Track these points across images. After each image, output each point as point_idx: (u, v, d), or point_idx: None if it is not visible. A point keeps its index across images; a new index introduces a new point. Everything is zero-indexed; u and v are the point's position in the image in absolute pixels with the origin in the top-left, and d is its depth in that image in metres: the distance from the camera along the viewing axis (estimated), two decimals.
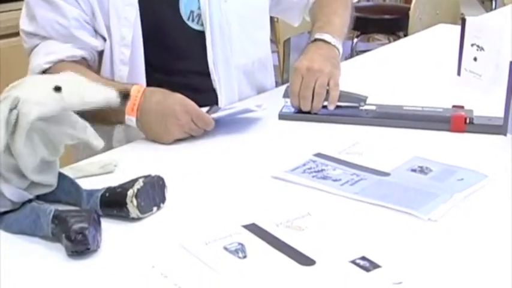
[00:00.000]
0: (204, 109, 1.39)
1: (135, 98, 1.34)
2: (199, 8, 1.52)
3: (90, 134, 1.06)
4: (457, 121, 1.41)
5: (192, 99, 1.36)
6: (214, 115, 1.38)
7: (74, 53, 1.46)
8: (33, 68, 1.46)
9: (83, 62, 1.48)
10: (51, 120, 1.03)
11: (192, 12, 1.52)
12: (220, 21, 1.53)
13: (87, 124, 1.06)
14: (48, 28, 1.45)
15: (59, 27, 1.45)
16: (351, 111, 1.46)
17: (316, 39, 1.53)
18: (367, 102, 1.47)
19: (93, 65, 1.50)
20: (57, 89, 1.01)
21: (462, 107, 1.45)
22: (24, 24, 1.49)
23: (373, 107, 1.47)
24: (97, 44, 1.48)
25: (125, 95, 1.07)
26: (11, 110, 0.99)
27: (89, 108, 1.04)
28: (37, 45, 1.47)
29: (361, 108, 1.46)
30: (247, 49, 1.60)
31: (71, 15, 1.44)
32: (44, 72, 1.42)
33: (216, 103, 1.54)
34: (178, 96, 1.36)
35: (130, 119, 1.35)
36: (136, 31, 1.48)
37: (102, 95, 1.05)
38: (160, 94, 1.36)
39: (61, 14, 1.44)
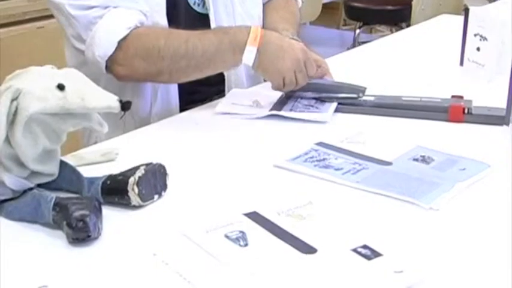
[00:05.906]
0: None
1: (256, 31, 1.40)
2: None
3: (94, 120, 1.05)
4: (455, 111, 1.40)
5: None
6: (280, 112, 1.42)
7: (142, 18, 1.42)
8: (107, 39, 1.38)
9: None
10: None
11: None
12: (225, 2, 1.55)
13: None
14: None
15: None
16: (349, 100, 1.46)
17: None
18: (366, 93, 1.47)
19: None
20: (61, 87, 1.00)
21: (461, 97, 1.45)
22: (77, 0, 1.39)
23: (372, 98, 1.47)
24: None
25: (125, 104, 1.05)
26: (12, 101, 0.98)
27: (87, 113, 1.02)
28: (96, 18, 1.38)
29: (360, 99, 1.46)
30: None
31: None
32: (120, 41, 1.38)
33: (223, 87, 1.58)
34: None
35: (251, 49, 1.38)
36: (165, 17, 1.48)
37: (103, 101, 1.02)
38: (278, 34, 1.46)
39: None
